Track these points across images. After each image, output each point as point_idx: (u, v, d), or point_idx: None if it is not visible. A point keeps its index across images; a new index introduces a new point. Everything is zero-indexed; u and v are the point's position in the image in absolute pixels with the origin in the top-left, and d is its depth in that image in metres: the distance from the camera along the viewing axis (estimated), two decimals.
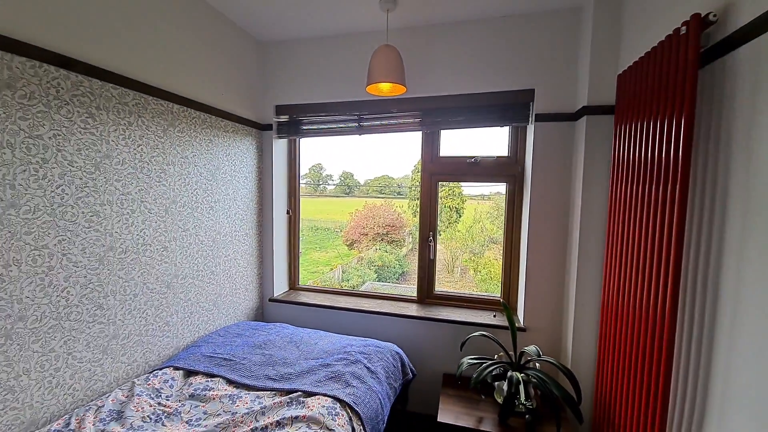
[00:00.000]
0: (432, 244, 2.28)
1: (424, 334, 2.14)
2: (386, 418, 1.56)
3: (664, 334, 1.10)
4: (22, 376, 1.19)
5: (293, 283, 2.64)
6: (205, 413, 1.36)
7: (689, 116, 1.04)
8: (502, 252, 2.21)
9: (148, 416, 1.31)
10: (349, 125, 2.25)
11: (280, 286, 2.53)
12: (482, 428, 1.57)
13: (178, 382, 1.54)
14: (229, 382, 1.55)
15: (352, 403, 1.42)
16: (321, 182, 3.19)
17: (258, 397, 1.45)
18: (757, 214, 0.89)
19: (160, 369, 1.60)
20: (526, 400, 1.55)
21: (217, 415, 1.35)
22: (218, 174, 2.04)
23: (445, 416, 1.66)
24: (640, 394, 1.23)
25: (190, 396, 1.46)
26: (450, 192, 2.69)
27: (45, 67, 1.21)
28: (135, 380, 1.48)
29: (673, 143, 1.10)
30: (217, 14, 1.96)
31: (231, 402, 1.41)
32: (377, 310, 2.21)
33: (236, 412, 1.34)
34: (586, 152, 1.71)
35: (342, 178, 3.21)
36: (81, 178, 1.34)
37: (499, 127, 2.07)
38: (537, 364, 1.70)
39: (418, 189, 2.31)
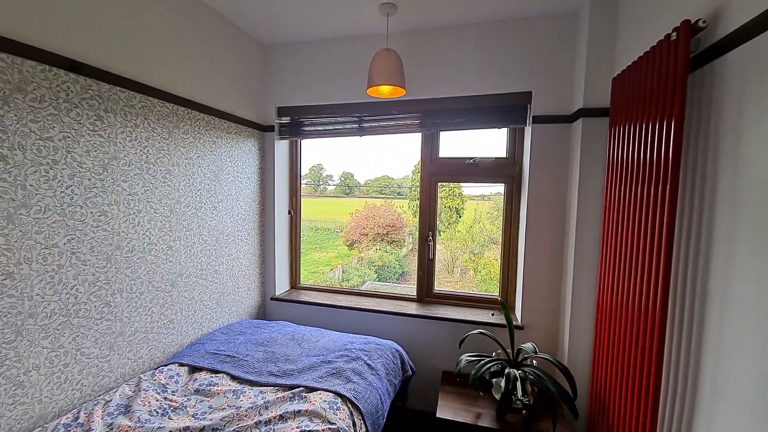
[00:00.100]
0: (431, 243, 2.32)
1: (423, 332, 2.17)
2: (386, 413, 1.59)
3: (655, 331, 1.14)
4: (32, 372, 1.23)
5: (295, 282, 2.67)
6: (210, 407, 1.40)
7: (679, 119, 1.08)
8: (500, 251, 2.24)
9: (155, 410, 1.34)
10: (350, 127, 2.28)
11: (281, 285, 2.56)
12: (480, 424, 1.61)
13: (183, 378, 1.57)
14: (233, 377, 1.59)
15: (352, 398, 1.45)
16: (321, 183, 3.21)
17: (261, 392, 1.49)
18: (744, 213, 0.92)
19: (166, 365, 1.63)
20: (523, 396, 1.58)
21: (222, 409, 1.38)
22: (221, 175, 2.08)
23: (444, 412, 1.69)
24: (633, 390, 1.26)
25: (195, 391, 1.49)
26: (450, 192, 2.72)
27: (55, 71, 1.25)
28: (141, 376, 1.52)
29: (663, 145, 1.14)
30: (221, 18, 2.00)
31: (235, 397, 1.44)
32: (377, 308, 2.24)
33: (240, 407, 1.38)
34: (582, 153, 1.74)
35: (342, 179, 3.23)
36: (90, 179, 1.37)
37: (497, 129, 2.11)
38: (534, 361, 1.74)
39: (418, 189, 2.34)
